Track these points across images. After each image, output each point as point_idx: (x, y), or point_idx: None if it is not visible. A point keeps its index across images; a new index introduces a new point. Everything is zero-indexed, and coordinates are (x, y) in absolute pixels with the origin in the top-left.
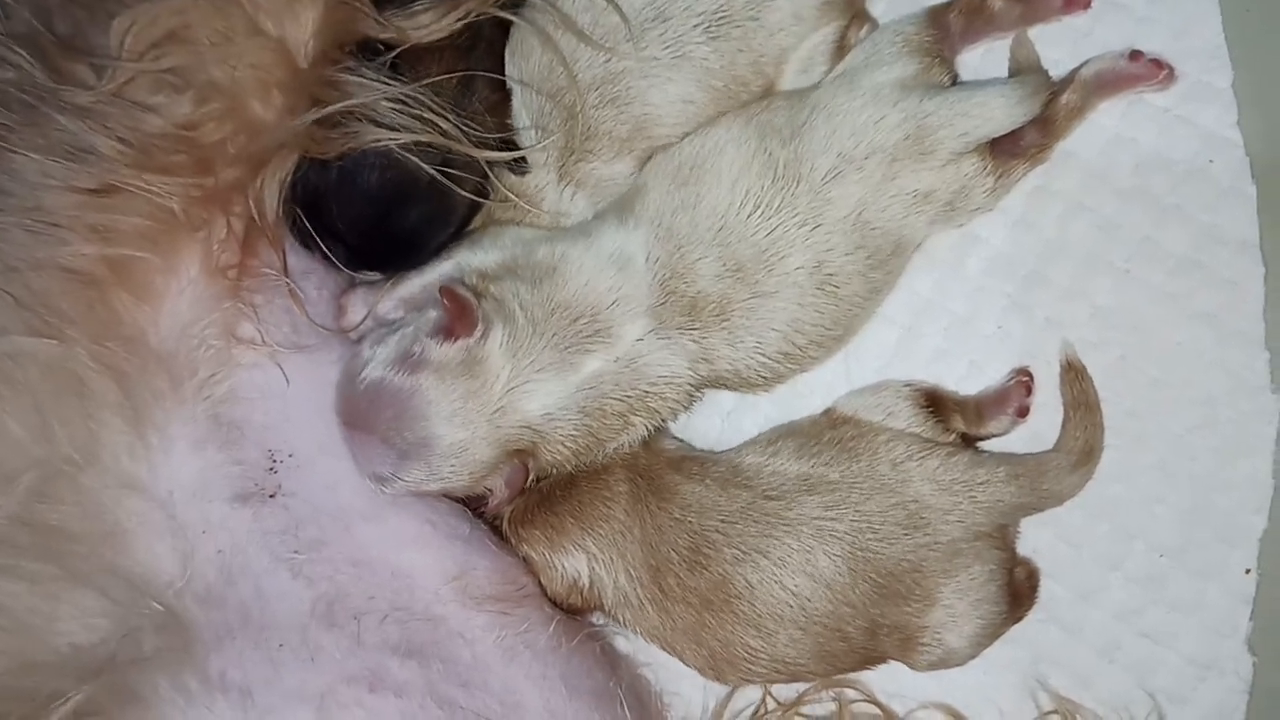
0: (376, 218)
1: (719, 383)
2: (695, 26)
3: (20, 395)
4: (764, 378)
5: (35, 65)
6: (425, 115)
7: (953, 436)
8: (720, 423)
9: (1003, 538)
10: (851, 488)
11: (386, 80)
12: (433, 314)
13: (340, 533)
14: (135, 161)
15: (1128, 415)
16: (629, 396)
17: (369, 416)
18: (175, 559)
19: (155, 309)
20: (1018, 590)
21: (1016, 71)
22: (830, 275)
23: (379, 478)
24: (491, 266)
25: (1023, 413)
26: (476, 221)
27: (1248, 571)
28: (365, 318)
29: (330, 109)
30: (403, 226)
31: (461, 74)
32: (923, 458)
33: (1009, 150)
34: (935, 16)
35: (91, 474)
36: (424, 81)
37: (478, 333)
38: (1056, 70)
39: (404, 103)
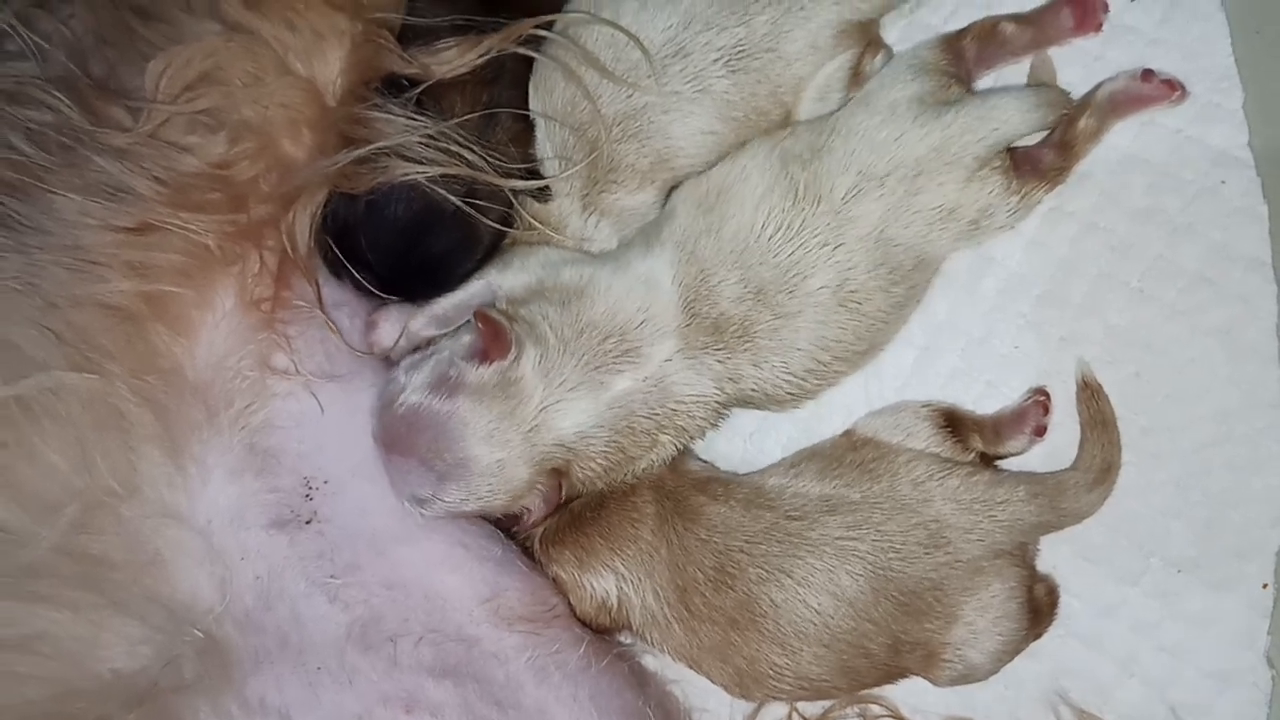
0: (405, 248)
1: (747, 401)
2: (715, 61)
3: (62, 429)
4: (791, 395)
5: (73, 108)
6: (452, 148)
7: (971, 456)
8: (743, 444)
9: (1023, 555)
10: (873, 508)
11: (414, 116)
12: (467, 338)
13: (375, 557)
14: (171, 200)
15: (1143, 432)
16: (657, 415)
17: (408, 440)
18: (214, 586)
19: (192, 342)
20: (1038, 607)
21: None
22: (853, 293)
23: (418, 499)
24: (520, 289)
25: (1040, 432)
26: (504, 243)
27: (1265, 586)
28: (399, 339)
29: (363, 150)
30: (431, 255)
31: (486, 107)
32: (943, 477)
33: (1030, 172)
34: (949, 43)
35: (132, 504)
36: (451, 120)
37: (511, 355)
38: (1070, 92)
39: (431, 136)
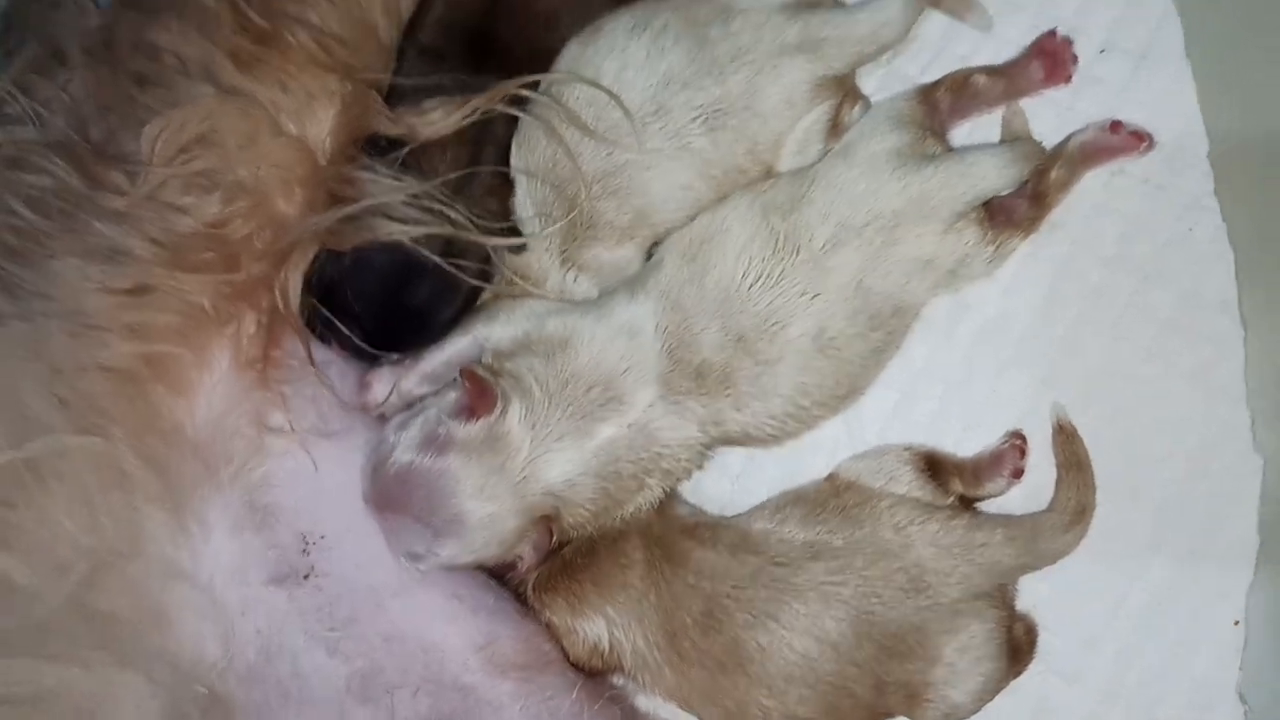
0: (389, 294)
1: (729, 441)
2: (694, 119)
3: (70, 490)
4: (773, 435)
5: (71, 173)
6: (434, 207)
7: (951, 499)
8: (729, 485)
9: (1001, 596)
10: (855, 553)
11: (399, 176)
12: (453, 395)
13: (372, 610)
14: (168, 261)
15: (1119, 472)
16: (643, 459)
17: (401, 499)
18: (217, 641)
19: (190, 402)
20: (1017, 645)
21: (1009, 139)
22: (832, 339)
23: (414, 555)
24: (507, 343)
25: (1017, 474)
26: (487, 293)
27: (1236, 623)
28: (389, 395)
29: (354, 208)
30: (414, 303)
31: (469, 166)
32: (923, 522)
33: (1004, 222)
34: (925, 93)
35: (137, 562)
36: (436, 180)
37: (497, 410)
38: (1042, 142)
39: (415, 195)
